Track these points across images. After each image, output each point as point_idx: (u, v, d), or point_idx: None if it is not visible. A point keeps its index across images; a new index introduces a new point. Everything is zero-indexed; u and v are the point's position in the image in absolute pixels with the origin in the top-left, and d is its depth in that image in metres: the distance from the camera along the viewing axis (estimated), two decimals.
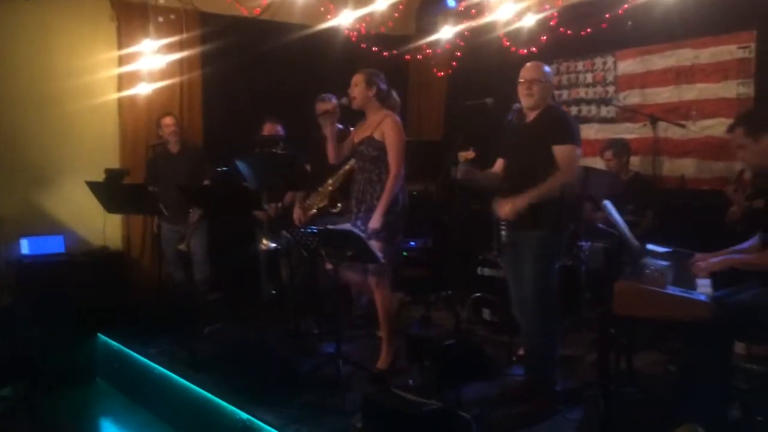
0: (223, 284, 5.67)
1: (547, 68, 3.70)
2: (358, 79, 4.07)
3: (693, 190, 5.14)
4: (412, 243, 6.17)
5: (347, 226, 3.71)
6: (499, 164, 3.87)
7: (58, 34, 5.48)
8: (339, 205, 4.53)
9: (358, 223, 4.00)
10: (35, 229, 5.31)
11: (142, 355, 4.51)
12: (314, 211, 4.83)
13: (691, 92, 5.18)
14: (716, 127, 5.04)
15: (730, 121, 4.88)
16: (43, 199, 5.46)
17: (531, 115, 3.66)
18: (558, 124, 3.58)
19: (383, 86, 4.11)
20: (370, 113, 4.11)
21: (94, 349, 4.98)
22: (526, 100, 3.63)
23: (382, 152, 3.99)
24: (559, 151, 3.50)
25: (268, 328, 4.98)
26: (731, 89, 4.95)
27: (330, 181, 4.79)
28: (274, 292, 5.29)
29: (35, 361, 4.30)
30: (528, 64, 3.72)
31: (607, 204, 3.49)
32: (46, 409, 4.38)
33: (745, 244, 3.19)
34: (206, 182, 5.42)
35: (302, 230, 3.71)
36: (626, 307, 2.73)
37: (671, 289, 2.71)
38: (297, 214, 4.96)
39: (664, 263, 3.24)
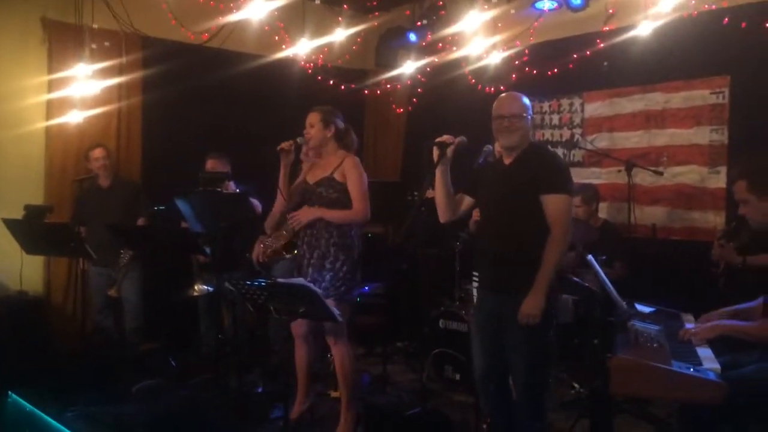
0: (158, 335, 5.13)
1: (526, 100, 3.17)
2: (313, 118, 3.82)
3: (664, 239, 4.95)
4: (366, 288, 5.77)
5: (300, 280, 3.29)
6: (463, 200, 3.30)
7: None
8: (295, 252, 4.06)
9: (310, 270, 3.72)
10: None
11: (56, 420, 3.96)
12: (274, 249, 4.36)
13: (662, 137, 5.02)
14: (688, 174, 4.90)
15: (702, 168, 4.85)
16: None
17: (510, 156, 3.12)
18: (549, 169, 3.02)
19: (341, 125, 3.87)
20: (327, 154, 3.85)
21: (3, 410, 4.38)
22: (508, 138, 3.06)
23: (342, 194, 3.74)
24: (552, 202, 2.96)
25: (208, 386, 4.55)
26: (704, 135, 4.81)
27: None
28: (220, 336, 4.78)
29: None
30: (504, 96, 3.17)
31: (591, 259, 3.16)
32: None
33: (751, 304, 2.87)
34: (141, 221, 4.91)
35: (248, 283, 3.25)
36: (625, 386, 2.35)
37: (677, 366, 2.34)
38: (257, 251, 4.47)
39: (654, 327, 2.94)
